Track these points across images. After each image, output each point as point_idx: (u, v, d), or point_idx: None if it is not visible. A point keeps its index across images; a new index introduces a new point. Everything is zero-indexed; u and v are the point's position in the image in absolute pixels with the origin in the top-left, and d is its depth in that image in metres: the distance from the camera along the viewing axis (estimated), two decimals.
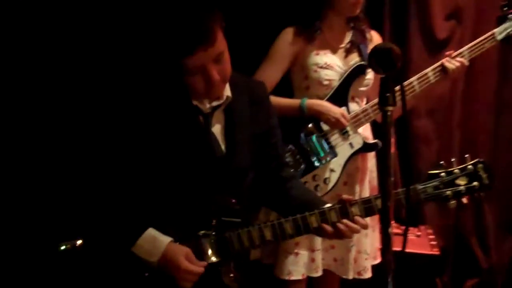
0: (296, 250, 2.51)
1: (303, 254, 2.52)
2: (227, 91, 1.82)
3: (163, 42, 1.67)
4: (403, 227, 3.29)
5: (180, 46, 1.62)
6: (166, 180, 1.79)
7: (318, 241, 2.51)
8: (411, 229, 3.33)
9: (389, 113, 1.25)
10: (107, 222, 1.80)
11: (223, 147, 1.85)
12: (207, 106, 1.81)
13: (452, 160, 1.82)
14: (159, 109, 1.79)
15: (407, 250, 3.05)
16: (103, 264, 1.79)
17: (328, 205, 1.86)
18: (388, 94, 1.25)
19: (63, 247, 1.87)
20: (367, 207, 1.80)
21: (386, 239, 1.26)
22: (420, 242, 3.20)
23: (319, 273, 2.55)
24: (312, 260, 2.53)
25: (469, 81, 3.42)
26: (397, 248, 2.89)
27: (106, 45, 2.75)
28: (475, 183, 1.80)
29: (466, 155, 1.82)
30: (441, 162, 1.82)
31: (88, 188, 1.82)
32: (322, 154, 2.47)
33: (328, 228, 1.80)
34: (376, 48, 1.30)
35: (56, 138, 2.68)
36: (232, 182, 1.85)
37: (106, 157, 1.82)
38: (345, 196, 1.82)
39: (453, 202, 1.81)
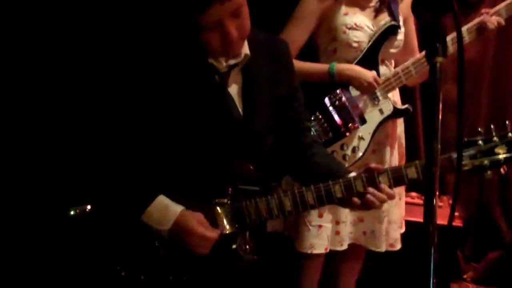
0: (319, 223, 2.39)
1: (327, 226, 2.40)
2: (245, 49, 1.69)
3: None
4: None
5: (195, 0, 1.49)
6: (179, 143, 1.68)
7: (344, 213, 2.39)
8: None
9: (438, 66, 1.10)
10: (117, 187, 1.70)
11: (240, 109, 1.73)
12: (223, 64, 1.68)
13: (491, 127, 1.67)
14: (173, 68, 1.66)
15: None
16: (112, 232, 1.70)
17: (353, 174, 1.73)
18: (438, 44, 1.09)
19: (72, 212, 1.79)
20: (396, 177, 1.67)
21: (429, 209, 1.12)
22: (442, 213, 3.08)
23: (344, 247, 2.45)
24: (337, 233, 2.42)
25: (500, 46, 3.30)
26: (417, 218, 2.84)
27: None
28: None
29: (507, 122, 1.66)
30: (479, 129, 1.67)
31: (99, 151, 1.72)
32: (350, 121, 2.33)
33: (354, 199, 1.67)
34: None
35: (68, 99, 2.59)
36: (250, 147, 1.74)
37: (118, 118, 1.70)
38: (373, 165, 1.69)
39: (490, 172, 1.66)
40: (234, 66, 1.70)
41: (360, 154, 2.35)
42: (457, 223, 3.03)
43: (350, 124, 2.33)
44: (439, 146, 1.11)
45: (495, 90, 3.37)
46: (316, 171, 1.82)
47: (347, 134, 2.33)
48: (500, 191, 3.44)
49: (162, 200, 1.65)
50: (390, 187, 1.67)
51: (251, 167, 1.71)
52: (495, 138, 1.65)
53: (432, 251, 1.08)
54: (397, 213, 2.48)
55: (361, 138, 2.35)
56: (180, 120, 1.66)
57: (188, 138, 1.68)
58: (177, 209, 1.64)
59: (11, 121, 2.59)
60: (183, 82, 1.66)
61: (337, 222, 2.41)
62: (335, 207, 2.30)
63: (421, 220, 2.61)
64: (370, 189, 1.66)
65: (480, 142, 1.66)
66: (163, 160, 1.69)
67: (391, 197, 1.68)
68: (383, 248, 2.47)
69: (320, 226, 2.39)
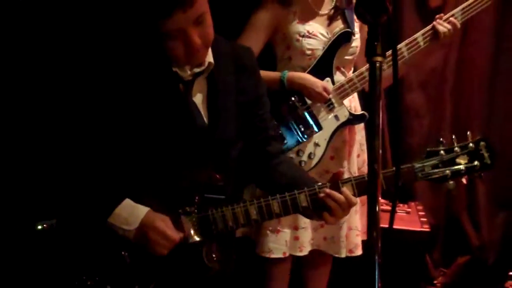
0: (278, 228, 2.42)
1: (286, 232, 2.42)
2: (209, 57, 1.70)
3: (139, 3, 1.54)
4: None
5: (156, 8, 1.49)
6: (144, 152, 1.68)
7: (303, 218, 2.38)
8: (401, 205, 3.27)
9: (377, 65, 1.10)
10: (82, 194, 1.69)
11: (205, 117, 1.74)
12: (188, 73, 1.68)
13: (453, 137, 1.70)
14: (137, 75, 1.66)
15: (397, 226, 2.99)
16: (77, 241, 1.70)
17: (319, 184, 1.74)
18: (376, 43, 1.10)
19: (39, 227, 1.79)
20: (360, 186, 1.68)
21: (372, 216, 1.12)
22: (410, 218, 3.15)
23: (303, 252, 2.46)
24: (296, 238, 2.44)
25: (462, 52, 3.35)
26: (385, 225, 2.87)
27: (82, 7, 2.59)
28: (476, 163, 1.68)
29: (468, 132, 1.70)
30: (441, 139, 1.69)
31: (65, 157, 1.71)
32: (305, 128, 2.35)
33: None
34: None
35: (29, 105, 2.54)
36: (216, 155, 1.74)
37: (81, 125, 1.70)
38: (341, 170, 1.70)
39: (451, 182, 1.69)
40: (199, 74, 1.70)
41: (316, 160, 2.37)
42: (425, 228, 3.05)
43: (305, 131, 2.35)
44: (380, 144, 1.11)
45: (458, 96, 3.41)
46: (281, 181, 1.83)
47: (303, 140, 2.35)
48: (467, 197, 3.48)
49: (129, 202, 1.66)
50: (354, 195, 1.68)
51: (218, 176, 1.71)
52: (456, 148, 1.68)
53: (376, 257, 1.08)
54: (357, 219, 2.50)
55: (316, 144, 2.37)
56: (144, 128, 1.66)
57: (153, 146, 1.68)
58: (144, 209, 1.65)
59: None
60: (147, 90, 1.66)
61: (295, 228, 2.43)
62: None
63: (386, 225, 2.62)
64: (330, 192, 1.66)
65: (442, 152, 1.68)
66: (129, 168, 1.68)
67: (351, 202, 1.67)
68: (343, 253, 2.49)
69: (278, 231, 2.42)
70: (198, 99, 1.73)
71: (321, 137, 2.38)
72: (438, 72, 3.36)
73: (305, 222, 2.42)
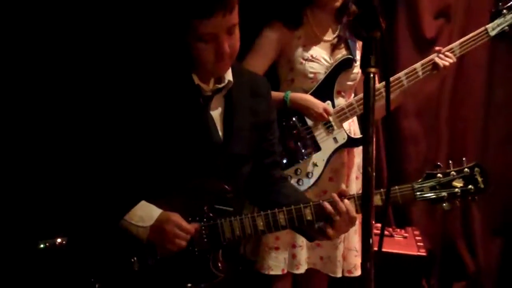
0: (276, 245, 2.50)
1: (284, 249, 2.51)
2: (229, 75, 1.79)
3: (180, 1, 1.61)
4: (389, 229, 3.29)
5: (199, 7, 1.56)
6: (158, 161, 1.76)
7: (300, 237, 2.46)
8: (398, 230, 3.32)
9: (371, 76, 1.19)
10: (99, 196, 1.76)
11: (220, 132, 1.82)
12: (209, 87, 1.77)
13: (450, 162, 1.81)
14: (159, 86, 1.74)
15: (394, 250, 3.04)
16: (89, 245, 1.76)
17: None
18: (370, 56, 1.19)
19: (42, 246, 1.85)
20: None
21: (366, 222, 1.19)
22: (407, 243, 3.18)
23: (300, 270, 2.54)
24: (293, 256, 2.52)
25: (457, 80, 3.41)
26: (384, 248, 2.92)
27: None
28: (470, 186, 1.79)
29: (464, 158, 1.81)
30: (438, 163, 1.80)
31: (79, 165, 1.79)
32: (304, 148, 2.44)
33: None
34: (357, 13, 1.27)
35: (52, 110, 2.56)
36: (228, 169, 1.82)
37: (99, 132, 1.78)
38: (343, 188, 1.79)
39: (446, 204, 1.80)
40: (219, 91, 1.79)
41: (314, 180, 2.46)
42: (422, 252, 3.10)
43: (304, 151, 2.44)
44: (374, 149, 1.19)
45: (454, 123, 3.48)
46: (284, 203, 1.85)
47: (301, 160, 2.45)
48: (463, 223, 3.52)
49: (145, 202, 1.75)
50: (356, 212, 1.77)
51: (228, 188, 1.80)
52: (453, 172, 1.79)
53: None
54: (356, 240, 2.57)
55: (315, 164, 2.46)
56: (160, 137, 1.73)
57: (167, 155, 1.75)
58: (159, 209, 1.74)
59: None
60: (168, 100, 1.73)
61: (293, 246, 2.51)
62: (292, 231, 2.37)
63: (388, 250, 2.67)
64: (333, 195, 1.76)
65: (439, 175, 1.79)
66: (142, 175, 1.76)
67: (351, 214, 1.75)
68: (338, 273, 2.55)
69: (277, 248, 2.50)
70: (216, 114, 1.82)
71: (319, 158, 2.47)
72: (433, 99, 3.43)
73: (302, 240, 2.50)
